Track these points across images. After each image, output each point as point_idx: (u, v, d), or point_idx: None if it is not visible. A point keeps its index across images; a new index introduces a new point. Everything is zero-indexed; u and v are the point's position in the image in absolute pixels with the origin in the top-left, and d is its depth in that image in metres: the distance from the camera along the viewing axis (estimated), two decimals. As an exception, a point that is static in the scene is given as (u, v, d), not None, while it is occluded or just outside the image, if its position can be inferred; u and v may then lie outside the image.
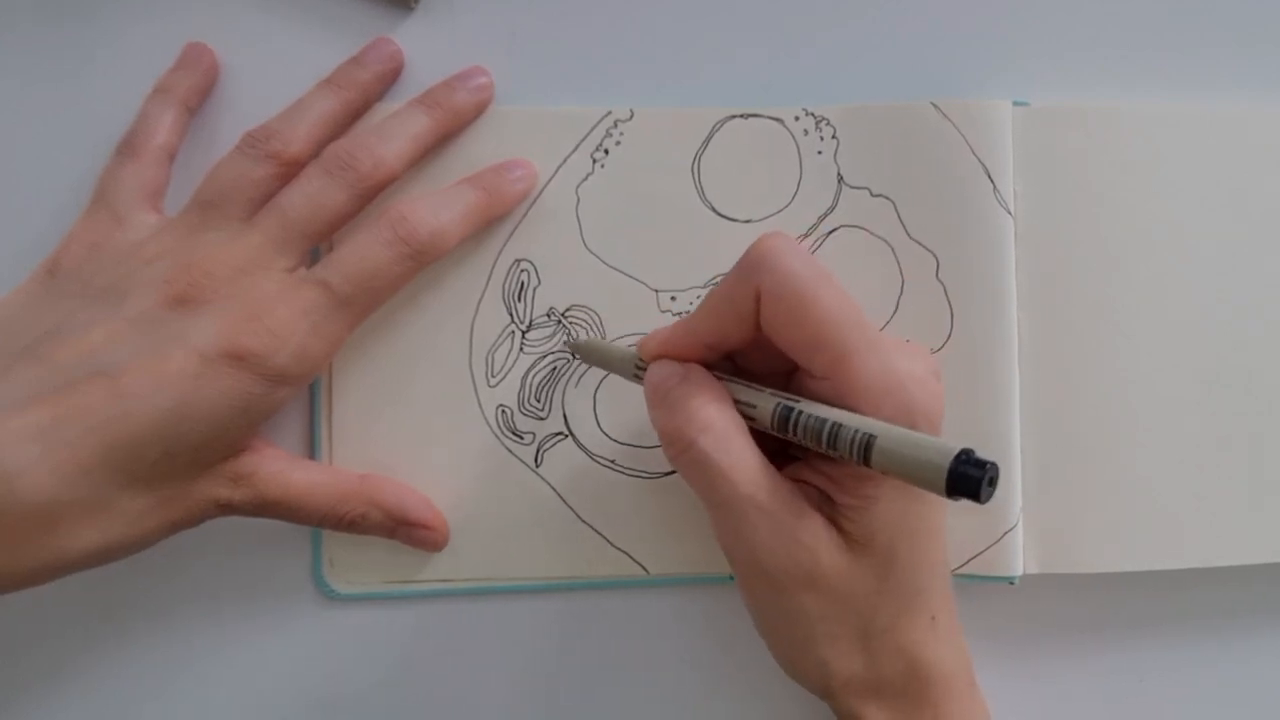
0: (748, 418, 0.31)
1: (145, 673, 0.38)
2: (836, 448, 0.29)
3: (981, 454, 0.27)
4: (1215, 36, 0.40)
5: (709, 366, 0.32)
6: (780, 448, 0.32)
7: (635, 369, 0.33)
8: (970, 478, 0.26)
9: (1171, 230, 0.38)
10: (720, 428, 0.30)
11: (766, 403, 0.30)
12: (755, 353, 0.32)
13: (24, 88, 0.38)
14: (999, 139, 0.37)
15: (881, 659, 0.32)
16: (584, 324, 0.38)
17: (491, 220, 0.37)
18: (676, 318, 0.38)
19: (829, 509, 0.31)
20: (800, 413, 0.30)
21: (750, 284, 0.30)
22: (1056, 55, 0.39)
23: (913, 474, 0.27)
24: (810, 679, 0.33)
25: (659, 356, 0.33)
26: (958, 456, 0.26)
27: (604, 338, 0.38)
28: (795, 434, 0.30)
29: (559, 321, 0.38)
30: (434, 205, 0.36)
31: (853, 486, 0.30)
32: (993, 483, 0.26)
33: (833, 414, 0.29)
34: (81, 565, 0.32)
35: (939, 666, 0.32)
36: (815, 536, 0.30)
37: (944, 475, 0.26)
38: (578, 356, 0.37)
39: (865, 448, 0.28)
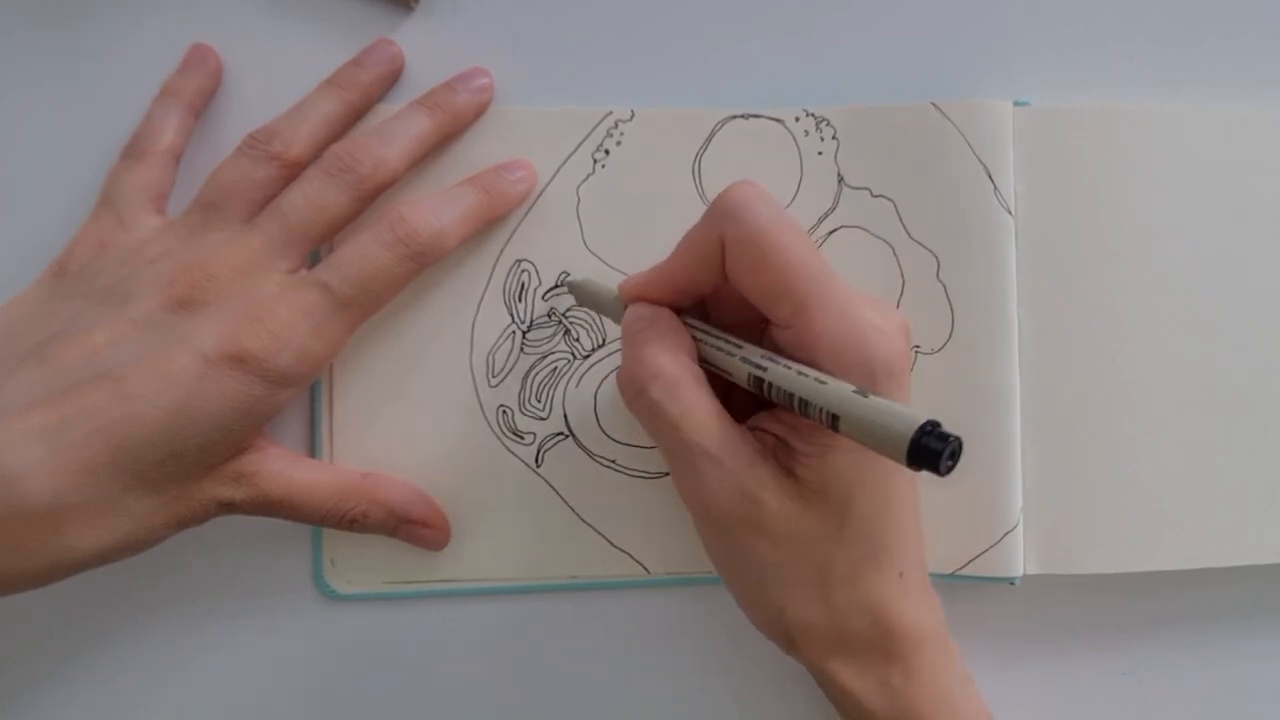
0: (721, 368, 0.31)
1: (146, 672, 0.38)
2: (807, 414, 0.29)
3: (947, 428, 0.27)
4: (1216, 37, 0.40)
5: (684, 312, 0.33)
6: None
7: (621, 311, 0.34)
8: (930, 450, 0.26)
9: (1172, 230, 0.38)
10: (671, 375, 0.30)
11: (739, 368, 0.31)
12: (728, 301, 0.32)
13: (31, 89, 0.38)
14: (1000, 139, 0.37)
15: (844, 612, 0.32)
16: (584, 324, 0.38)
17: (492, 221, 0.37)
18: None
19: (786, 456, 0.31)
20: (769, 383, 0.30)
21: (715, 231, 0.30)
22: (1057, 56, 0.39)
23: (876, 442, 0.27)
24: (772, 627, 0.33)
25: (636, 299, 0.33)
26: (922, 427, 0.26)
27: (604, 339, 0.38)
28: (768, 396, 0.30)
29: (559, 322, 0.38)
30: (434, 206, 0.36)
31: (809, 434, 0.31)
32: (954, 456, 0.26)
33: (799, 383, 0.29)
34: (87, 565, 0.32)
35: (908, 623, 0.32)
36: (761, 483, 0.30)
37: (905, 444, 0.26)
38: (573, 296, 0.37)
39: (833, 418, 0.28)
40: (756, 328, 0.33)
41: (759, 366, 0.30)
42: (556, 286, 0.38)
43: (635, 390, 0.31)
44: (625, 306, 0.33)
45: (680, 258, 0.32)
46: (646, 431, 0.31)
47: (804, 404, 0.29)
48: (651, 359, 0.31)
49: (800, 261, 0.30)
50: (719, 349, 0.32)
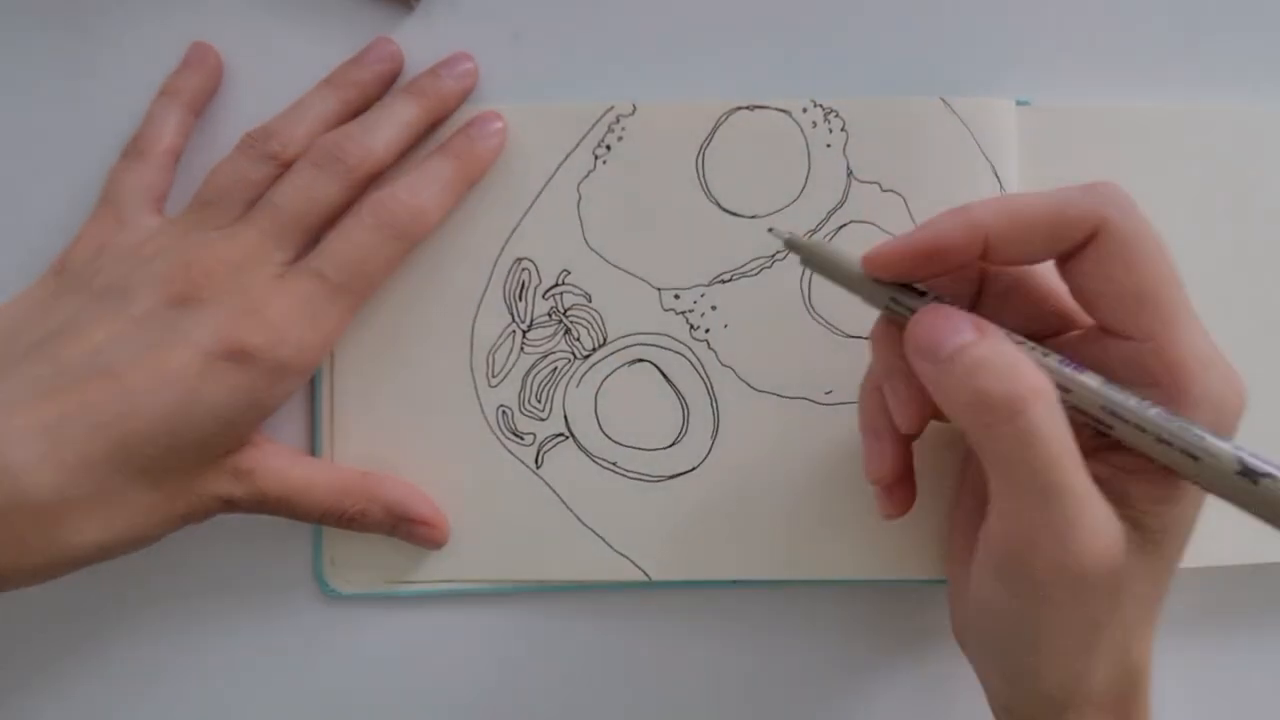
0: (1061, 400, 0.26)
1: (145, 670, 0.38)
2: (1181, 474, 0.25)
3: None
4: (1219, 37, 0.38)
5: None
6: None
7: (890, 302, 0.29)
8: None
9: (1174, 230, 0.36)
10: (1051, 397, 0.25)
11: (1090, 395, 0.26)
12: (1010, 296, 0.29)
13: (32, 89, 0.38)
14: (1003, 137, 0.36)
15: (1125, 673, 0.29)
16: (585, 324, 0.37)
17: (471, 185, 0.37)
18: (680, 317, 0.37)
19: (1118, 506, 0.27)
20: (1131, 424, 0.25)
21: (1095, 210, 0.27)
22: (1059, 55, 0.38)
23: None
24: (1038, 696, 0.29)
25: (912, 258, 0.28)
26: None
27: (605, 338, 0.37)
28: (1118, 426, 0.26)
29: (560, 321, 0.37)
30: (411, 185, 0.35)
31: (1156, 480, 0.27)
32: None
33: (1182, 437, 0.25)
34: (87, 561, 0.33)
35: (1147, 675, 0.30)
36: (1124, 535, 0.27)
37: None
38: (801, 259, 0.30)
39: (1245, 475, 0.24)
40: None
41: (1108, 411, 0.26)
42: (785, 245, 0.30)
43: (1011, 410, 0.25)
44: (873, 271, 0.29)
45: (1014, 216, 0.27)
46: (994, 458, 0.26)
47: (1183, 457, 0.25)
48: (1030, 374, 0.25)
49: (1175, 271, 0.27)
50: (1055, 371, 0.27)
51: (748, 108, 0.37)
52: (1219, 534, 0.36)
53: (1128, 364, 0.27)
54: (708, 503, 0.36)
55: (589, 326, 0.37)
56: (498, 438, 0.37)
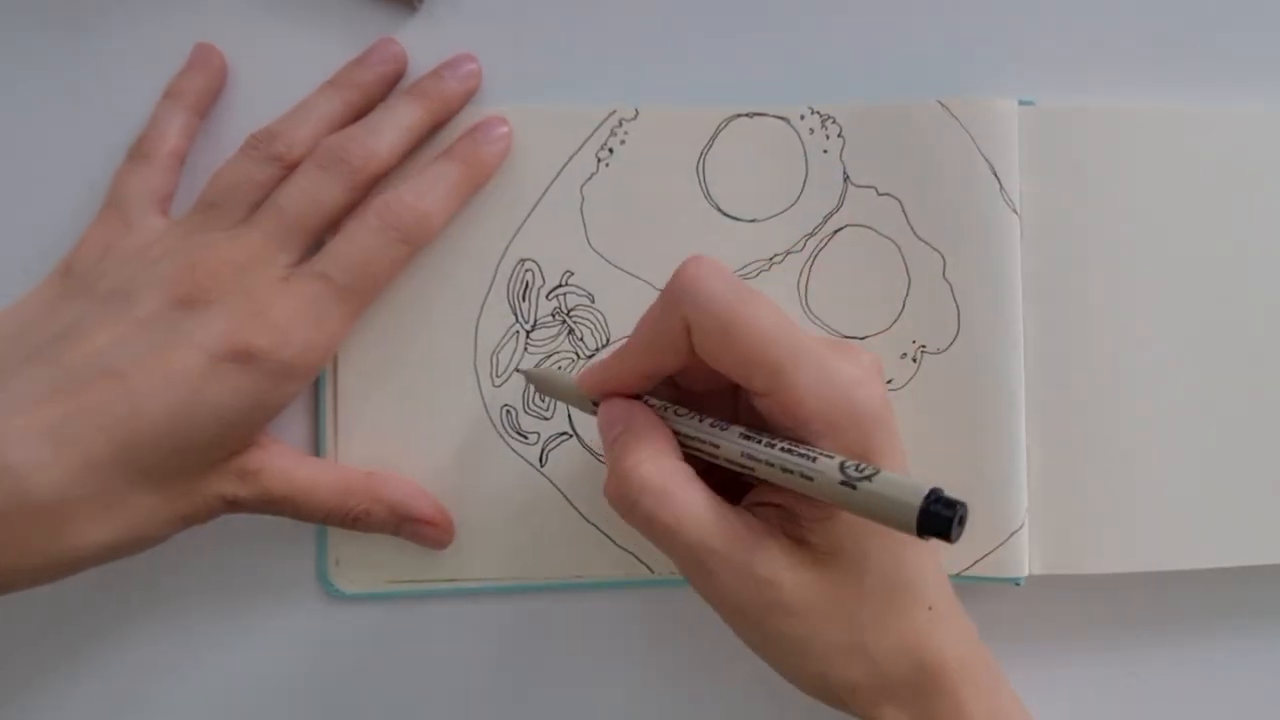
0: (709, 454, 0.31)
1: (149, 670, 0.38)
2: (808, 494, 0.29)
3: (950, 493, 0.27)
4: (1221, 37, 0.39)
5: (655, 393, 0.33)
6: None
7: (592, 404, 0.33)
8: (940, 518, 0.26)
9: (1177, 230, 0.38)
10: (658, 485, 0.30)
11: (727, 453, 0.30)
12: (696, 372, 0.32)
13: (36, 91, 0.38)
14: (1005, 138, 0.37)
15: (885, 661, 0.31)
16: (589, 324, 0.38)
17: (476, 189, 0.37)
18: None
19: (792, 526, 0.31)
20: (763, 463, 0.29)
21: (677, 314, 0.30)
22: (1062, 55, 0.39)
23: (883, 519, 0.27)
24: (818, 694, 0.32)
25: (601, 393, 0.32)
26: (927, 498, 0.26)
27: (608, 339, 0.38)
28: (761, 479, 0.30)
29: (563, 321, 0.38)
30: (417, 188, 0.36)
31: (812, 501, 0.30)
32: (962, 522, 0.27)
33: (791, 476, 0.29)
34: (91, 562, 0.33)
35: (947, 656, 0.32)
36: (773, 565, 0.30)
37: (914, 519, 0.26)
38: (533, 385, 0.37)
39: (846, 484, 0.28)
40: (729, 393, 0.32)
41: (747, 456, 0.30)
42: (518, 370, 0.38)
43: (627, 506, 0.30)
44: (586, 396, 0.33)
45: (643, 344, 0.31)
46: (648, 540, 0.31)
47: (804, 485, 0.29)
48: (634, 471, 0.30)
49: (770, 329, 0.29)
50: (702, 432, 0.31)
51: (747, 115, 0.38)
52: (1218, 534, 0.38)
53: (771, 410, 0.30)
54: (710, 499, 0.37)
55: (592, 327, 0.38)
56: (502, 437, 0.38)
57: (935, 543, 0.30)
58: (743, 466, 0.30)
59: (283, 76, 0.37)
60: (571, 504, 0.38)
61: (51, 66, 0.38)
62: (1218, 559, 0.38)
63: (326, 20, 0.38)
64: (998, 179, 0.37)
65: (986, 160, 0.37)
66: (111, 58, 0.38)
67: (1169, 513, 0.38)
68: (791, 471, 0.29)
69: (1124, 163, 0.38)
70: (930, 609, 0.32)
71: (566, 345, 0.38)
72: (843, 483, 0.28)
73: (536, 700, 0.38)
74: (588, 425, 0.38)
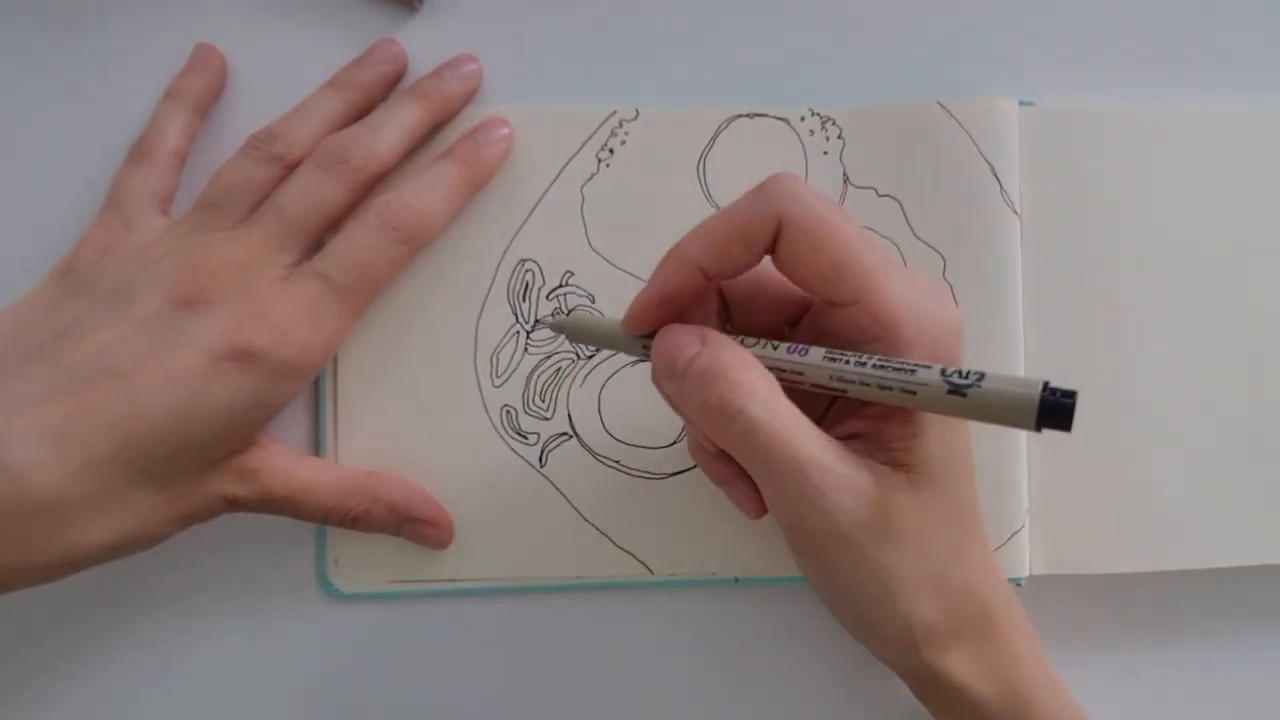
0: (791, 381, 0.29)
1: (149, 669, 0.38)
2: (911, 407, 0.28)
3: (1057, 383, 0.26)
4: (1221, 38, 0.39)
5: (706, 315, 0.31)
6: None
7: (642, 344, 0.31)
8: (1062, 407, 0.26)
9: (1177, 231, 0.38)
10: (765, 390, 0.28)
11: (815, 372, 0.29)
12: (754, 297, 0.31)
13: (37, 91, 0.38)
14: (1005, 139, 0.37)
15: (958, 598, 0.31)
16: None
17: (477, 189, 0.37)
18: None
19: (880, 451, 0.30)
20: (856, 382, 0.28)
21: (771, 210, 0.29)
22: (1062, 56, 0.39)
23: (1003, 415, 0.27)
24: (894, 641, 0.31)
25: (659, 317, 0.31)
26: (1044, 388, 0.26)
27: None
28: (849, 388, 0.29)
29: (563, 321, 0.38)
30: (417, 189, 0.36)
31: (901, 419, 0.29)
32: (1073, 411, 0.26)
33: (897, 379, 0.28)
34: (92, 562, 0.33)
35: (1000, 597, 0.32)
36: (884, 483, 0.29)
37: (1034, 410, 0.26)
38: (565, 336, 0.35)
39: (955, 392, 0.27)
40: (778, 328, 0.32)
41: (836, 378, 0.29)
42: (551, 315, 0.37)
43: (732, 413, 0.28)
44: (633, 329, 0.31)
45: (715, 238, 0.30)
46: (742, 461, 0.29)
47: (906, 386, 0.28)
48: (740, 376, 0.28)
49: (859, 236, 0.29)
50: (781, 360, 0.30)
51: (748, 115, 0.38)
52: (1219, 535, 0.38)
53: (850, 326, 0.30)
54: (710, 500, 0.37)
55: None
56: (502, 437, 0.38)
57: None
58: (832, 389, 0.29)
59: (283, 76, 0.37)
60: (571, 504, 0.38)
61: (51, 66, 0.38)
62: (1218, 559, 0.38)
63: (326, 20, 0.38)
64: (998, 180, 0.37)
65: (986, 161, 0.37)
66: (111, 58, 0.38)
67: (1169, 513, 0.38)
68: (890, 387, 0.28)
69: (1124, 163, 0.38)
70: (985, 545, 0.32)
71: (566, 345, 0.38)
72: (950, 391, 0.27)
73: (536, 700, 0.38)
74: (588, 426, 0.38)
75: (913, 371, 0.28)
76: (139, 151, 0.37)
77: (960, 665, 0.31)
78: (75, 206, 0.37)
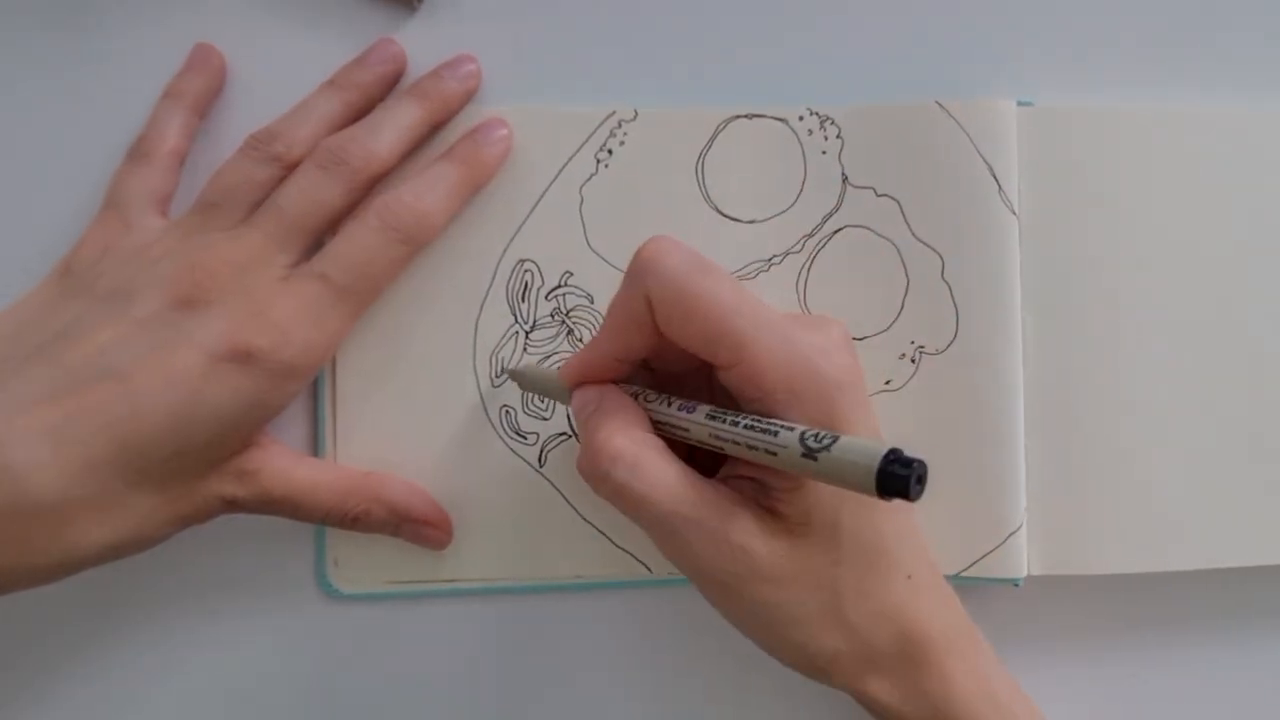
0: (681, 436, 0.31)
1: (148, 670, 0.38)
2: (776, 468, 0.29)
3: (909, 453, 0.27)
4: (1220, 39, 0.39)
5: (631, 379, 0.33)
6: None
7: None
8: (898, 477, 0.26)
9: (1176, 231, 0.38)
10: (630, 455, 0.30)
11: (696, 433, 0.31)
12: (668, 353, 0.32)
13: (36, 91, 0.38)
14: (1003, 139, 0.37)
15: (865, 629, 0.31)
16: (588, 325, 0.38)
17: (476, 190, 0.37)
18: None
19: (765, 497, 0.31)
20: (730, 441, 0.30)
21: (639, 291, 0.30)
22: (1061, 56, 0.39)
23: (844, 484, 0.27)
24: (803, 666, 0.32)
25: (578, 382, 0.33)
26: (885, 458, 0.26)
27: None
28: (725, 446, 0.30)
29: (563, 322, 0.38)
30: (417, 189, 0.36)
31: (782, 474, 0.30)
32: (920, 481, 0.27)
33: (755, 450, 0.29)
34: (91, 563, 0.33)
35: (927, 624, 0.32)
36: (747, 532, 0.30)
37: (873, 481, 0.26)
38: (517, 384, 0.37)
39: (808, 455, 0.28)
40: (703, 373, 0.32)
41: (714, 436, 0.30)
42: (505, 371, 0.38)
43: (599, 477, 0.30)
44: (565, 388, 0.33)
45: (612, 327, 0.32)
46: (622, 513, 0.31)
47: (768, 455, 0.29)
48: (606, 442, 0.30)
49: (728, 302, 0.29)
50: (671, 416, 0.31)
51: (746, 116, 0.38)
52: (1219, 535, 0.38)
53: (737, 384, 0.30)
54: (709, 500, 0.37)
55: (591, 328, 0.38)
56: (501, 437, 0.38)
57: (913, 513, 0.31)
58: (712, 447, 0.30)
59: (283, 76, 0.37)
60: (571, 504, 0.38)
61: (51, 66, 0.38)
62: (1218, 559, 0.38)
63: (326, 20, 0.38)
64: (996, 180, 0.37)
65: (985, 161, 0.37)
66: (111, 58, 0.38)
67: (1169, 513, 0.38)
68: (756, 448, 0.29)
69: (1123, 163, 0.38)
70: (909, 577, 0.32)
71: (566, 346, 0.38)
72: (804, 454, 0.28)
73: (536, 700, 0.38)
74: (587, 425, 0.38)
75: (775, 434, 0.29)
76: (138, 152, 0.37)
77: (882, 691, 0.32)
78: (75, 206, 0.37)
